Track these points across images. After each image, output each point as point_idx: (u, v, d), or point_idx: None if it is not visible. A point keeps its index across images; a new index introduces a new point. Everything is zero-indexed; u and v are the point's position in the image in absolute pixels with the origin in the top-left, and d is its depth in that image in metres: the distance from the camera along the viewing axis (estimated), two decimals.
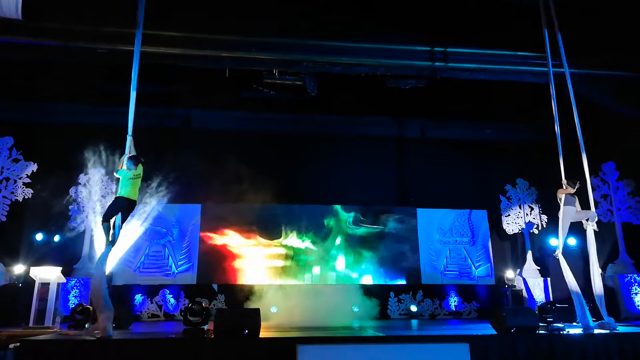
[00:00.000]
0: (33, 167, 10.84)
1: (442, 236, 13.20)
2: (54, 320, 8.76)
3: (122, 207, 7.12)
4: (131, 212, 7.39)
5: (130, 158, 7.29)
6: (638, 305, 11.02)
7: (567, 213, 8.20)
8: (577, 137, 8.66)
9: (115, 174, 7.50)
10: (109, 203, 7.57)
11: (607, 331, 7.21)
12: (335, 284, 12.21)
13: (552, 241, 12.55)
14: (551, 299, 11.31)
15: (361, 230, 12.75)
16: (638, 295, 11.07)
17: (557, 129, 8.62)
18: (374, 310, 11.25)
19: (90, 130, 10.88)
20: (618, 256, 11.81)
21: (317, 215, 12.68)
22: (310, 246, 12.42)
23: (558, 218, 8.45)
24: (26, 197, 10.73)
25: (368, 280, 12.36)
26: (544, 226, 12.65)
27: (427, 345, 6.08)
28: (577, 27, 9.76)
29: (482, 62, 10.63)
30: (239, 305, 10.91)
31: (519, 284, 12.17)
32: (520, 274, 12.18)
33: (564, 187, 8.33)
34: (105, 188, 11.05)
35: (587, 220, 8.39)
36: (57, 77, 10.77)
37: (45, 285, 8.86)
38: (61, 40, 9.43)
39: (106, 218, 7.08)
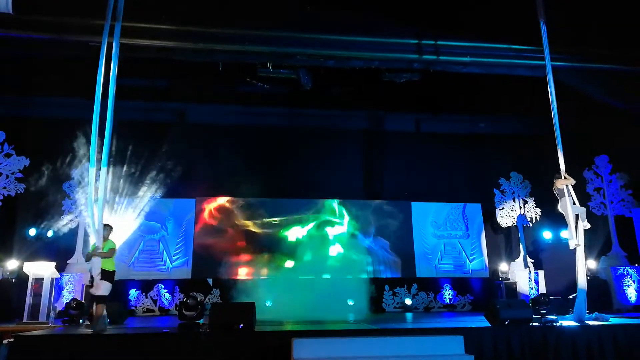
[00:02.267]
0: (25, 162, 10.75)
1: (437, 230, 13.24)
2: (48, 316, 8.73)
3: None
4: (112, 281, 7.24)
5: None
6: (630, 297, 11.13)
7: (569, 204, 8.25)
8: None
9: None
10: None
11: (602, 322, 7.27)
12: (330, 278, 12.21)
13: (546, 234, 12.65)
14: (544, 292, 11.39)
15: (355, 224, 12.75)
16: (630, 287, 11.17)
17: (555, 121, 8.59)
18: (368, 304, 11.28)
19: (83, 125, 10.77)
20: (611, 249, 11.91)
21: (312, 208, 12.66)
22: (306, 239, 12.40)
23: (552, 211, 8.51)
24: (19, 192, 10.65)
25: (363, 273, 12.37)
26: (538, 219, 12.72)
27: (421, 338, 6.11)
28: (571, 20, 9.78)
29: (476, 55, 10.64)
30: (234, 300, 10.90)
31: (514, 277, 12.23)
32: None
33: (564, 179, 8.33)
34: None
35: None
36: (49, 71, 10.67)
37: (39, 281, 8.81)
38: (53, 33, 9.34)
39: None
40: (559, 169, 8.39)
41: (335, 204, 12.86)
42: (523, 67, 10.81)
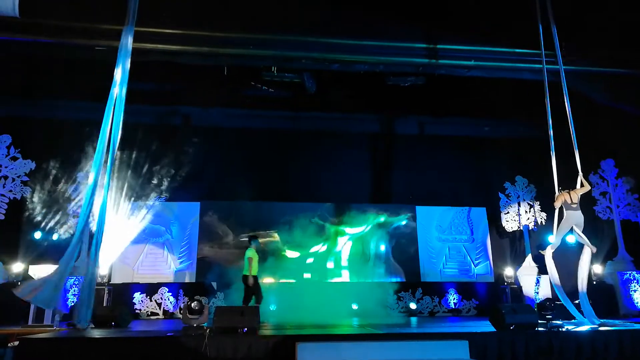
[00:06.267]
0: (31, 165, 10.81)
1: (441, 234, 13.20)
2: (53, 319, 8.75)
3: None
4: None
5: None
6: (637, 302, 11.04)
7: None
8: (573, 135, 8.65)
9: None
10: None
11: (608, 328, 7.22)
12: (334, 282, 12.21)
13: (551, 239, 12.55)
14: (550, 296, 11.32)
15: (360, 228, 12.71)
16: (637, 292, 11.08)
17: (570, 124, 8.56)
18: (373, 308, 11.24)
19: (89, 128, 10.84)
20: (617, 253, 11.83)
21: (316, 212, 12.64)
22: (310, 243, 12.39)
23: (555, 214, 8.48)
24: (24, 195, 10.70)
25: (367, 277, 12.34)
26: (543, 223, 12.65)
27: (426, 343, 6.08)
28: (576, 23, 9.76)
29: (480, 59, 10.64)
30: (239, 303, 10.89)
31: (519, 282, 12.14)
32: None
33: (583, 185, 8.24)
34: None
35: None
36: (55, 74, 10.74)
37: None
38: (59, 37, 9.41)
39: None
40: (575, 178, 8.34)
41: (339, 207, 12.83)
42: (528, 71, 10.78)
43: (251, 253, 9.04)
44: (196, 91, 12.00)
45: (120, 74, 7.52)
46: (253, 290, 8.86)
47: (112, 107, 7.36)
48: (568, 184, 8.51)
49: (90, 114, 11.70)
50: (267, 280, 11.72)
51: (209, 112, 12.89)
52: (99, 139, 7.33)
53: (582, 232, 8.24)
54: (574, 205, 8.14)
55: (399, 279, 12.54)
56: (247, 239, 9.75)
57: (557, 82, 9.05)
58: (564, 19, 9.20)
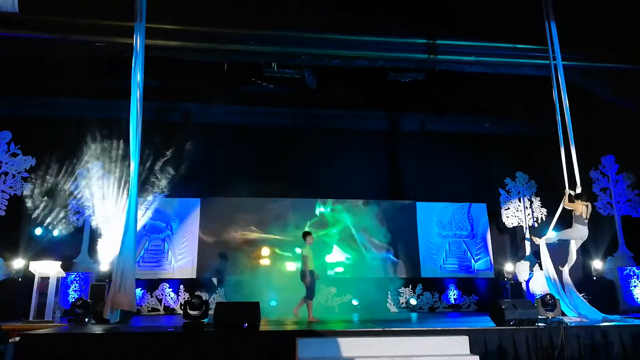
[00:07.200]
0: (31, 161, 10.82)
1: (442, 229, 13.20)
2: (53, 315, 8.78)
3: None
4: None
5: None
6: (637, 298, 11.06)
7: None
8: (575, 130, 8.62)
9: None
10: None
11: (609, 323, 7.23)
12: (334, 278, 12.21)
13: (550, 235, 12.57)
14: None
15: (360, 224, 12.71)
16: (637, 287, 11.10)
17: (567, 119, 8.53)
18: (373, 304, 11.25)
19: (89, 124, 10.86)
20: (617, 249, 11.84)
21: (317, 208, 12.64)
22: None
23: (558, 211, 8.47)
24: (25, 191, 10.71)
25: (367, 273, 12.34)
26: (544, 219, 12.65)
27: (426, 338, 6.09)
28: (577, 19, 9.73)
29: (481, 54, 10.60)
30: (239, 299, 10.91)
31: (519, 277, 12.15)
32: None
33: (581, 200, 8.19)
34: (104, 182, 11.02)
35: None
36: (55, 71, 10.71)
37: (44, 280, 8.86)
38: (59, 33, 9.38)
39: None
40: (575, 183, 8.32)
41: (340, 203, 12.83)
42: (529, 67, 10.75)
43: (306, 251, 8.89)
44: (196, 87, 11.97)
45: (138, 75, 7.59)
46: (309, 286, 8.81)
47: (136, 108, 7.49)
48: (570, 179, 8.50)
49: (89, 110, 11.78)
50: (267, 275, 11.73)
51: (209, 108, 12.87)
52: (131, 139, 7.47)
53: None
54: (586, 220, 8.11)
55: (399, 275, 12.54)
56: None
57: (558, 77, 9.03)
58: (566, 14, 9.17)
